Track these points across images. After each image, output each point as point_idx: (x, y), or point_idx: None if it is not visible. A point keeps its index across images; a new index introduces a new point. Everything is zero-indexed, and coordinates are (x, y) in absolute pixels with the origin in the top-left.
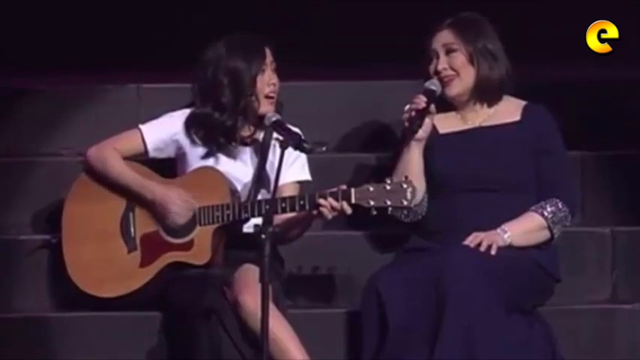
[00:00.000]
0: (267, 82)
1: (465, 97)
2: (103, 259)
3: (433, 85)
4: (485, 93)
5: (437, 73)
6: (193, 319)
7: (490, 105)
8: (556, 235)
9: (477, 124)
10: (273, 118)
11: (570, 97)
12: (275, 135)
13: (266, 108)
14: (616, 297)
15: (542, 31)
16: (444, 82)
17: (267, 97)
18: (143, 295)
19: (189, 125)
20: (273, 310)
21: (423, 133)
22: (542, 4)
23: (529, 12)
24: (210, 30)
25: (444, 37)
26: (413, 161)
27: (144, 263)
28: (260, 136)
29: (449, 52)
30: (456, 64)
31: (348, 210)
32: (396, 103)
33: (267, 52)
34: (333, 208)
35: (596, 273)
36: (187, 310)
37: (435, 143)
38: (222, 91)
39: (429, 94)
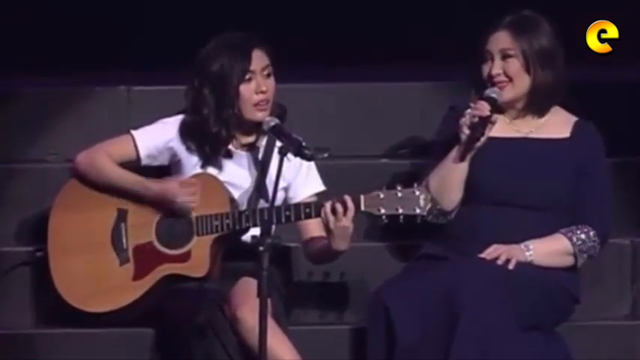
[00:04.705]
0: (256, 89)
1: (518, 103)
2: (93, 272)
3: (494, 92)
4: (539, 100)
5: (490, 77)
6: (189, 336)
7: (542, 114)
8: (579, 264)
9: (524, 134)
10: (272, 123)
11: (573, 98)
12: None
13: (256, 117)
14: (636, 312)
15: None
16: (496, 87)
17: (257, 105)
18: (135, 310)
19: (183, 132)
20: (272, 327)
21: (482, 142)
22: (542, 4)
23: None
24: (204, 30)
25: (501, 40)
26: (459, 169)
27: (137, 276)
28: (262, 142)
29: (505, 57)
30: (510, 71)
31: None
32: (405, 105)
33: (257, 55)
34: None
35: (615, 287)
36: (182, 325)
37: None
38: (205, 101)
39: (491, 102)
